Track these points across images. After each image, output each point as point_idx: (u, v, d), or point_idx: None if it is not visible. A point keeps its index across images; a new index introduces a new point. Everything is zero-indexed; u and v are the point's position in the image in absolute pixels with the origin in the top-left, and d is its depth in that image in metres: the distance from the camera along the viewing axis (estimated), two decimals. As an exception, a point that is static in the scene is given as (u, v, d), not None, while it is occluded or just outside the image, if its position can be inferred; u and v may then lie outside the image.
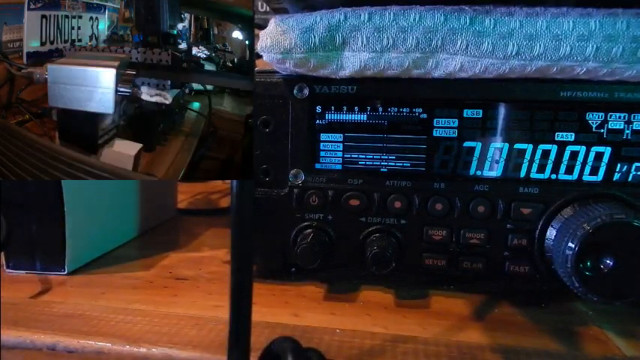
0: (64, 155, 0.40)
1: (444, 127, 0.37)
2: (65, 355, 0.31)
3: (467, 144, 0.37)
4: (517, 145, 0.36)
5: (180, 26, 0.80)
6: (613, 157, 0.35)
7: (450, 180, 0.37)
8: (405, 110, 0.37)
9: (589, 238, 0.30)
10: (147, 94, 0.62)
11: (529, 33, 0.33)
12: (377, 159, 0.38)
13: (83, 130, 0.48)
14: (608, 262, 0.30)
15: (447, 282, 0.40)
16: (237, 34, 1.00)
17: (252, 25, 0.75)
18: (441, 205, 0.37)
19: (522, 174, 0.36)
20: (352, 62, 0.35)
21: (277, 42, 0.35)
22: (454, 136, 0.37)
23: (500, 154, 0.36)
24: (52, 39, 0.65)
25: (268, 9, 0.48)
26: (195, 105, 0.71)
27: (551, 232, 0.35)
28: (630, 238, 0.30)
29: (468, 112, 0.36)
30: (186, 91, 0.71)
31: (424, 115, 0.37)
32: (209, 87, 0.71)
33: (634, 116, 0.35)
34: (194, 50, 0.85)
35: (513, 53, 0.33)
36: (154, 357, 0.30)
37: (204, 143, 0.65)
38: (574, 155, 0.36)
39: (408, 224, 0.38)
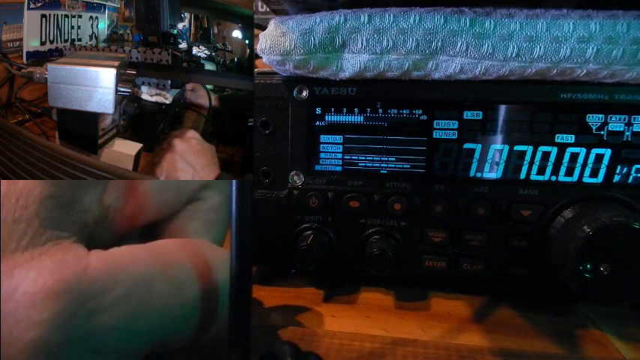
0: (64, 155, 0.40)
1: (444, 129, 0.37)
2: None
3: (467, 145, 0.37)
4: (517, 147, 0.36)
5: (180, 26, 0.80)
6: (613, 159, 0.35)
7: (450, 182, 0.37)
8: (404, 112, 0.37)
9: (589, 241, 0.30)
10: (147, 94, 0.61)
11: (529, 35, 0.33)
12: (377, 160, 0.38)
13: (83, 130, 0.48)
14: (607, 264, 0.30)
15: (447, 284, 0.40)
16: (237, 34, 1.00)
17: (252, 25, 0.75)
18: (440, 206, 0.37)
19: (522, 176, 0.36)
20: (352, 64, 0.35)
21: (277, 43, 0.35)
22: (454, 137, 0.37)
23: (500, 155, 0.36)
24: (51, 38, 0.65)
25: (268, 9, 0.48)
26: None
27: (551, 234, 0.35)
28: (630, 241, 0.30)
29: (467, 114, 0.36)
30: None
31: (424, 117, 0.37)
32: (209, 86, 0.71)
33: (634, 118, 0.35)
34: (194, 50, 0.85)
35: (513, 55, 0.33)
36: None
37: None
38: (574, 157, 0.35)
39: (408, 226, 0.38)
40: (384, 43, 0.34)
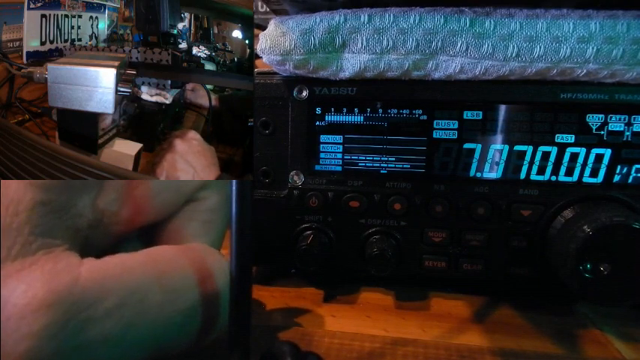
0: (64, 155, 0.40)
1: (444, 129, 0.37)
2: None
3: (467, 145, 0.37)
4: (517, 147, 0.36)
5: (180, 26, 0.80)
6: (613, 158, 0.35)
7: (450, 181, 0.37)
8: (404, 112, 0.37)
9: (589, 240, 0.30)
10: (147, 94, 0.62)
11: (529, 35, 0.33)
12: (377, 160, 0.38)
13: (83, 130, 0.48)
14: (607, 264, 0.30)
15: (447, 284, 0.40)
16: (237, 34, 1.00)
17: (252, 25, 0.75)
18: (441, 206, 0.37)
19: (522, 176, 0.36)
20: (352, 64, 0.35)
21: (277, 43, 0.35)
22: (454, 137, 0.37)
23: (500, 155, 0.36)
24: (51, 38, 0.65)
25: (268, 9, 0.48)
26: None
27: (551, 234, 0.35)
28: (630, 241, 0.30)
29: (467, 114, 0.36)
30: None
31: (424, 117, 0.37)
32: (209, 86, 0.71)
33: (634, 118, 0.34)
34: (194, 50, 0.85)
35: (513, 55, 0.33)
36: None
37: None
38: (574, 157, 0.35)
39: (408, 226, 0.38)
40: (384, 43, 0.34)
